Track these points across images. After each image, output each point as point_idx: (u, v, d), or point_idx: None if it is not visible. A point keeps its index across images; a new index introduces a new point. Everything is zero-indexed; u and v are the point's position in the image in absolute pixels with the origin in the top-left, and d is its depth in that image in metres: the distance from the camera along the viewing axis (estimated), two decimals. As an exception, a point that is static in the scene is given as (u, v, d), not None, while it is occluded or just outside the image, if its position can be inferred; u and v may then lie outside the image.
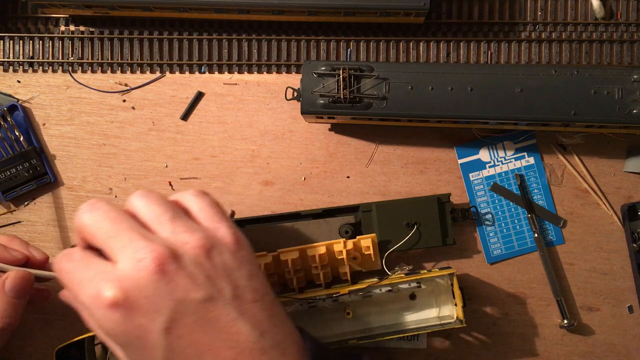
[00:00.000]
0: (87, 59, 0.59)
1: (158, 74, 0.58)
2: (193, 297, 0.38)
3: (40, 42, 0.59)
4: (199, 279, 0.39)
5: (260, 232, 0.54)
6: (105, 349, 0.53)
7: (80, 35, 0.59)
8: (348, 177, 0.57)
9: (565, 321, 0.55)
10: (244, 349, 0.38)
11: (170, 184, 0.57)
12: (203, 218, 0.43)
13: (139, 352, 0.38)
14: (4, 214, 0.57)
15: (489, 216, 0.57)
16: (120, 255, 0.39)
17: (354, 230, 0.54)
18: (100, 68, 0.59)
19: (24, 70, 0.59)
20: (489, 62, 0.58)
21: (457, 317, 0.52)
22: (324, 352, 0.44)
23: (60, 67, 0.58)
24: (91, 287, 0.39)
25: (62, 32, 0.59)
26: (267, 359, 0.39)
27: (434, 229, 0.54)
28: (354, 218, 0.55)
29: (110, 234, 0.40)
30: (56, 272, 0.42)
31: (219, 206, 0.45)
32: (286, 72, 0.59)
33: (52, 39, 0.59)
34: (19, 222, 0.57)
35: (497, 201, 0.57)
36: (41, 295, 0.52)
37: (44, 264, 0.51)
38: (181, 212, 0.43)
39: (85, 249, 0.42)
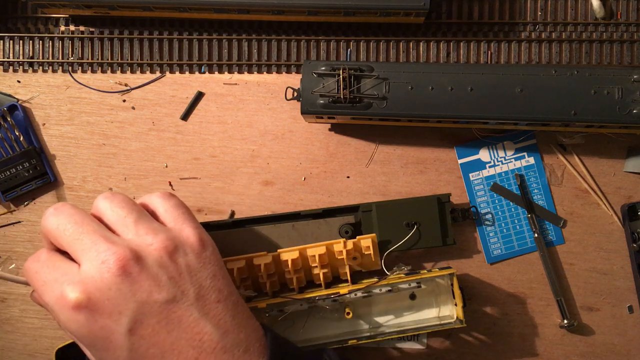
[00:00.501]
0: (87, 59, 0.59)
1: (158, 74, 0.58)
2: (156, 298, 0.39)
3: (40, 42, 0.59)
4: (162, 280, 0.40)
5: (260, 232, 0.54)
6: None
7: (80, 35, 0.59)
8: (348, 177, 0.57)
9: (565, 321, 0.55)
10: (206, 348, 0.39)
11: (170, 184, 0.57)
12: (168, 219, 0.44)
13: (103, 352, 0.39)
14: (4, 214, 0.57)
15: (489, 216, 0.57)
16: (83, 258, 0.40)
17: (354, 230, 0.54)
18: (100, 68, 0.59)
19: (24, 70, 0.59)
20: (489, 62, 0.58)
21: (457, 317, 0.52)
22: (286, 349, 0.44)
23: (60, 67, 0.58)
24: (55, 289, 0.39)
25: (62, 32, 0.59)
26: (229, 357, 0.40)
27: (434, 229, 0.54)
28: (354, 218, 0.55)
29: (74, 237, 0.40)
30: (24, 272, 0.43)
31: (185, 207, 0.46)
32: (286, 72, 0.59)
33: (52, 39, 0.59)
34: (19, 222, 0.57)
35: (497, 201, 0.57)
36: None
37: None
38: (146, 213, 0.44)
39: (52, 251, 0.43)
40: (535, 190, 0.57)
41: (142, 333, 0.39)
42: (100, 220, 0.43)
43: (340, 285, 0.53)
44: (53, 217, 0.42)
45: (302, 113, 0.52)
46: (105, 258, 0.39)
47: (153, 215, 0.45)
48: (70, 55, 0.59)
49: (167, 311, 0.39)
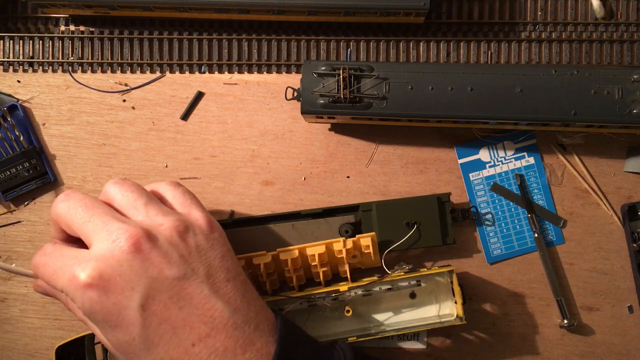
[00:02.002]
0: (87, 59, 0.59)
1: (158, 74, 0.59)
2: (167, 275, 0.40)
3: (40, 42, 0.59)
4: (173, 257, 0.40)
5: (260, 232, 0.54)
6: (104, 347, 0.53)
7: (80, 35, 0.59)
8: (348, 177, 0.57)
9: (565, 321, 0.55)
10: (217, 324, 0.40)
11: (170, 184, 0.57)
12: (177, 204, 0.45)
13: (117, 329, 0.39)
14: (4, 214, 0.57)
15: (489, 216, 0.57)
16: (95, 238, 0.40)
17: (354, 230, 0.54)
18: (100, 68, 0.59)
19: (24, 70, 0.59)
20: (489, 62, 0.58)
21: (457, 315, 0.52)
22: (296, 332, 0.45)
23: (60, 67, 0.58)
24: (66, 272, 0.40)
25: (62, 32, 0.59)
26: (240, 334, 0.40)
27: (434, 229, 0.54)
28: (354, 217, 0.55)
29: (85, 219, 0.41)
30: (32, 268, 0.44)
31: (192, 194, 0.47)
32: (286, 72, 0.59)
33: (52, 39, 0.59)
34: (19, 222, 0.57)
35: (497, 201, 0.57)
36: None
37: None
38: (155, 198, 0.45)
39: (58, 242, 0.44)
40: (535, 190, 0.57)
41: (154, 309, 0.39)
42: (110, 205, 0.44)
43: (340, 283, 0.53)
44: (63, 202, 0.43)
45: (302, 113, 0.52)
46: (117, 237, 0.40)
47: (161, 201, 0.46)
48: (70, 55, 0.59)
49: (178, 287, 0.40)
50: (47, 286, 0.47)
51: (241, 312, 0.41)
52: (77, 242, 0.44)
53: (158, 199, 0.46)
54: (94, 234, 0.41)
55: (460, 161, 0.57)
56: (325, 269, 0.52)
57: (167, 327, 0.39)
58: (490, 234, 0.57)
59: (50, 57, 0.59)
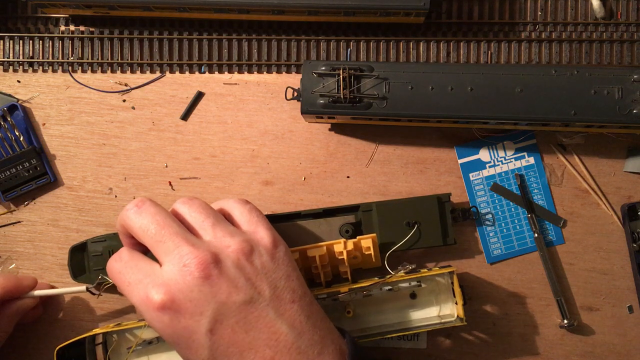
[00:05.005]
0: (87, 59, 0.59)
1: (158, 74, 0.58)
2: (234, 300, 0.41)
3: (40, 42, 0.59)
4: (240, 282, 0.41)
5: (260, 232, 0.54)
6: (105, 348, 0.53)
7: (80, 35, 0.59)
8: (348, 177, 0.57)
9: (565, 321, 0.55)
10: (282, 348, 0.40)
11: (170, 184, 0.57)
12: (243, 222, 0.46)
13: (186, 350, 0.41)
14: (4, 214, 0.57)
15: (489, 216, 0.57)
16: (166, 259, 0.41)
17: (355, 230, 0.54)
18: (100, 68, 0.59)
19: (24, 70, 0.59)
20: (489, 62, 0.58)
21: (457, 315, 0.52)
22: (362, 354, 0.45)
23: (60, 67, 0.58)
24: (140, 290, 0.41)
25: (62, 32, 0.59)
26: (303, 358, 0.41)
27: (434, 229, 0.54)
28: (354, 218, 0.55)
29: (157, 239, 0.42)
30: (107, 271, 0.45)
31: (258, 211, 0.47)
32: (286, 72, 0.59)
33: (52, 39, 0.59)
34: (19, 222, 0.57)
35: (497, 201, 0.57)
36: (34, 316, 0.55)
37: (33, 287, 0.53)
38: (222, 217, 0.45)
39: (133, 250, 0.45)
40: (535, 190, 0.57)
41: (221, 333, 0.40)
42: (180, 220, 0.44)
43: (340, 284, 0.53)
44: (136, 216, 0.43)
45: (302, 113, 0.52)
46: (188, 261, 0.40)
47: (228, 218, 0.46)
48: (70, 55, 0.59)
49: (245, 312, 0.41)
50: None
51: (306, 335, 0.41)
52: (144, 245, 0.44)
53: (225, 217, 0.46)
54: (165, 255, 0.41)
55: (460, 161, 0.57)
56: (326, 270, 0.52)
57: (234, 350, 0.40)
58: (490, 234, 0.57)
59: (50, 57, 0.59)
